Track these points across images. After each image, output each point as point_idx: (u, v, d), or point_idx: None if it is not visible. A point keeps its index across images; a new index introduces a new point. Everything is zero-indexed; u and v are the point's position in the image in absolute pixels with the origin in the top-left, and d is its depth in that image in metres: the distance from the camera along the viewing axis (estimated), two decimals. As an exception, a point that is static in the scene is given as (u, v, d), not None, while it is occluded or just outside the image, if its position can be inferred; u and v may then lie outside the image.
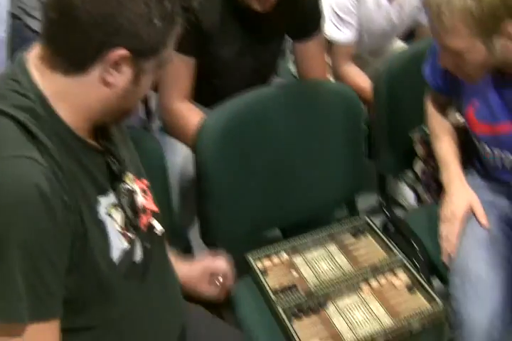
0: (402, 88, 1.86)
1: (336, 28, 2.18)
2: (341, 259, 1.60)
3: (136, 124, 2.04)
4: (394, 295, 1.48)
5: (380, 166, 1.91)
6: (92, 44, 0.90)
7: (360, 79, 2.18)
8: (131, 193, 1.08)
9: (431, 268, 1.64)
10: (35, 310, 0.89)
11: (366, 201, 2.01)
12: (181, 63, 1.67)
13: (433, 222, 1.63)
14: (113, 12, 0.89)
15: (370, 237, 1.66)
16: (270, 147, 1.65)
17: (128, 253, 1.04)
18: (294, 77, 2.27)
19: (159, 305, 1.16)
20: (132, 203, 1.08)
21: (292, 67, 2.30)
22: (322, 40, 1.92)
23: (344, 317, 1.44)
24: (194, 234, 1.70)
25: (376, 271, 1.53)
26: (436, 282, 1.66)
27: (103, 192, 1.01)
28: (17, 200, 0.85)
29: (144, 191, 1.13)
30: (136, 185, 1.11)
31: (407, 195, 2.34)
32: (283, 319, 1.42)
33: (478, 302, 1.44)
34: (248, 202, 1.64)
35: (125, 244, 1.03)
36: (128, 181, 1.08)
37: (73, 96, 0.94)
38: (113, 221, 1.01)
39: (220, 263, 1.40)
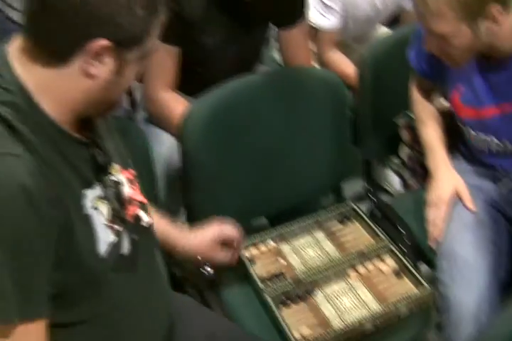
0: (387, 73, 1.85)
1: (321, 15, 2.17)
2: (328, 246, 1.59)
3: (120, 115, 2.03)
4: (381, 281, 1.49)
5: (365, 152, 1.91)
6: (71, 35, 0.89)
7: (345, 66, 2.18)
8: (117, 185, 1.07)
9: (418, 253, 1.65)
10: (23, 310, 0.88)
11: (352, 188, 2.01)
12: (165, 53, 1.66)
13: (419, 206, 1.63)
14: (92, 2, 0.87)
15: (356, 223, 1.66)
16: (256, 135, 1.65)
17: (115, 246, 1.03)
18: (278, 65, 2.26)
19: (148, 297, 1.15)
20: (118, 195, 1.07)
21: (276, 55, 2.29)
22: (306, 28, 1.92)
23: (332, 303, 1.44)
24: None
25: (363, 256, 1.53)
26: (424, 267, 1.67)
27: (88, 185, 1.00)
28: (1, 200, 0.84)
29: (130, 181, 1.13)
30: (122, 176, 1.10)
31: (393, 181, 2.34)
32: (271, 307, 1.42)
33: (465, 286, 1.45)
34: (234, 191, 1.63)
35: (112, 237, 1.02)
36: (114, 172, 1.07)
37: (55, 89, 0.93)
38: (99, 214, 1.01)
39: (231, 229, 1.44)
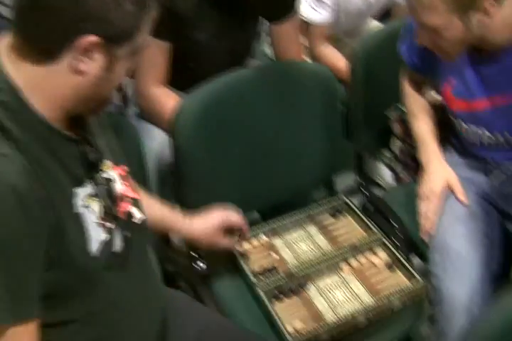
0: (379, 67, 1.85)
1: (312, 9, 2.17)
2: (321, 240, 1.59)
3: (112, 110, 2.02)
4: (374, 274, 1.49)
5: (357, 145, 1.91)
6: (60, 30, 0.88)
7: (337, 60, 2.18)
8: (108, 182, 1.06)
9: (410, 246, 1.65)
10: (14, 311, 0.88)
11: (344, 181, 2.01)
12: (157, 48, 1.66)
13: (411, 200, 1.64)
14: None
15: (349, 217, 1.66)
16: (247, 129, 1.64)
17: (107, 244, 1.02)
18: (269, 60, 2.26)
19: (141, 294, 1.15)
20: (110, 192, 1.06)
21: (268, 50, 2.29)
22: (297, 22, 1.92)
23: (325, 297, 1.44)
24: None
25: (356, 250, 1.53)
26: (416, 260, 1.67)
27: (79, 183, 0.99)
28: None
29: (122, 178, 1.12)
30: (114, 172, 1.09)
31: (385, 174, 2.34)
32: (264, 301, 1.42)
33: (457, 279, 1.45)
34: (226, 185, 1.63)
35: (103, 236, 1.02)
36: (105, 169, 1.06)
37: (45, 86, 0.92)
38: (90, 212, 1.00)
39: (235, 216, 1.47)
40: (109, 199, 1.05)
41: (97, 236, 1.00)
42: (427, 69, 1.64)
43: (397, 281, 1.46)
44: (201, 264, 1.52)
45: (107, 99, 1.03)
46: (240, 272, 1.52)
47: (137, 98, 1.82)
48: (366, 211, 1.71)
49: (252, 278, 1.47)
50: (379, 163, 2.37)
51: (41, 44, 0.90)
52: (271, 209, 1.74)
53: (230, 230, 1.47)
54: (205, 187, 1.60)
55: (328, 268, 1.50)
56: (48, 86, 0.92)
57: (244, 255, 1.54)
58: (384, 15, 2.45)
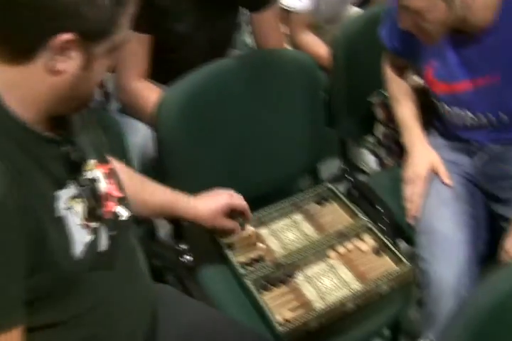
0: (360, 52, 1.84)
1: (292, -3, 2.16)
2: (307, 228, 1.59)
3: (93, 106, 2.01)
4: (361, 260, 1.48)
5: (340, 132, 1.90)
6: (33, 29, 0.85)
7: (318, 47, 2.17)
8: (92, 182, 1.04)
9: (396, 230, 1.65)
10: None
11: (329, 169, 2.00)
12: (137, 42, 1.65)
13: (396, 184, 1.64)
14: None
15: (334, 204, 1.65)
16: (231, 119, 1.63)
17: (92, 245, 1.00)
18: (250, 50, 2.25)
19: (129, 292, 1.13)
20: (94, 192, 1.04)
21: (248, 40, 2.28)
22: (278, 10, 1.90)
23: (313, 285, 1.44)
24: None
25: (342, 236, 1.53)
26: (403, 244, 1.67)
27: (61, 185, 0.97)
28: None
29: (107, 176, 1.09)
30: (98, 171, 1.07)
31: (369, 160, 2.34)
32: (252, 292, 1.41)
33: (445, 261, 1.46)
34: (210, 177, 1.62)
35: (88, 237, 1.00)
36: (89, 169, 1.04)
37: (22, 87, 0.90)
38: (73, 214, 0.97)
39: (239, 199, 1.48)
40: (94, 199, 1.03)
41: (81, 238, 0.98)
42: (409, 52, 1.64)
43: (385, 266, 1.46)
44: (188, 257, 1.51)
45: (88, 98, 1.00)
46: (227, 263, 1.51)
47: (119, 93, 1.80)
48: (351, 197, 1.71)
49: (239, 268, 1.46)
50: (363, 149, 2.37)
51: (15, 44, 0.87)
52: (256, 199, 1.73)
53: (231, 213, 1.48)
54: (189, 179, 1.59)
55: (315, 256, 1.49)
56: (24, 87, 0.90)
57: (230, 246, 1.53)
58: (363, 2, 2.45)
